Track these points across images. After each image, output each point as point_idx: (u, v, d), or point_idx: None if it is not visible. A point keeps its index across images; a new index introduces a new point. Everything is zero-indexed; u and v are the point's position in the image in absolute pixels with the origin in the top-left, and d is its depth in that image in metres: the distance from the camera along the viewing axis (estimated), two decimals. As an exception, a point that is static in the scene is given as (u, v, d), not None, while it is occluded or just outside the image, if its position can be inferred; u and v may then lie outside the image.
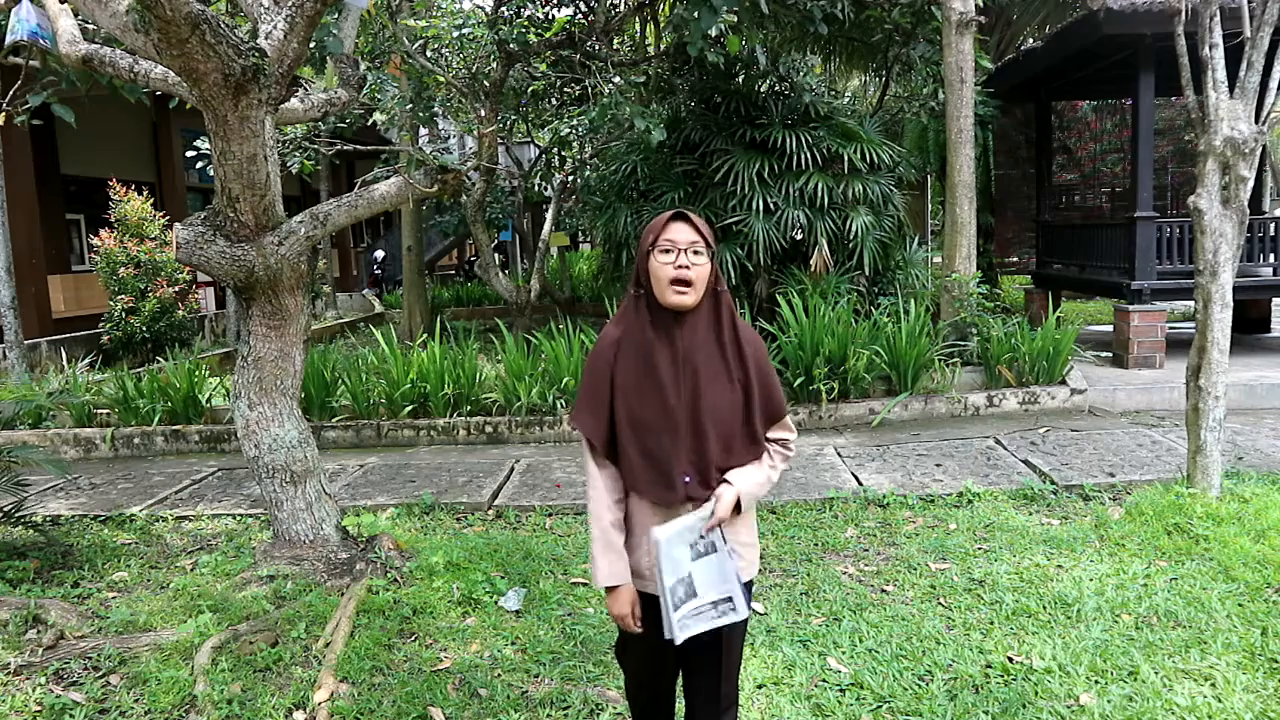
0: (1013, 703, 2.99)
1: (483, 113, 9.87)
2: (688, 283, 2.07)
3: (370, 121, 11.87)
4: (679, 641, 2.05)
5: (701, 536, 2.09)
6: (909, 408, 7.36)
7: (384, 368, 7.63)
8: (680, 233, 2.09)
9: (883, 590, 4.00)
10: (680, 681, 2.40)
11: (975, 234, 8.10)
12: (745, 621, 2.27)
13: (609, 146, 10.98)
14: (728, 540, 2.13)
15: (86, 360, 9.60)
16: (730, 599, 2.11)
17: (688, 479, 2.11)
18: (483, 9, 10.86)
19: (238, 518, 5.49)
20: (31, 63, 5.50)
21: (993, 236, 12.64)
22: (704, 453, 2.11)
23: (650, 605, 2.18)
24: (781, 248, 8.39)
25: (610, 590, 2.16)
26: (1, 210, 9.74)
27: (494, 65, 9.84)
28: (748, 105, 8.94)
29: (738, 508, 2.12)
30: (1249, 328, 10.43)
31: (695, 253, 2.08)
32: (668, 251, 2.08)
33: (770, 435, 2.24)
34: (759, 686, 3.18)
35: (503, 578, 4.19)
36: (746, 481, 2.14)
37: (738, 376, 2.14)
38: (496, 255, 14.25)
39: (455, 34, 10.16)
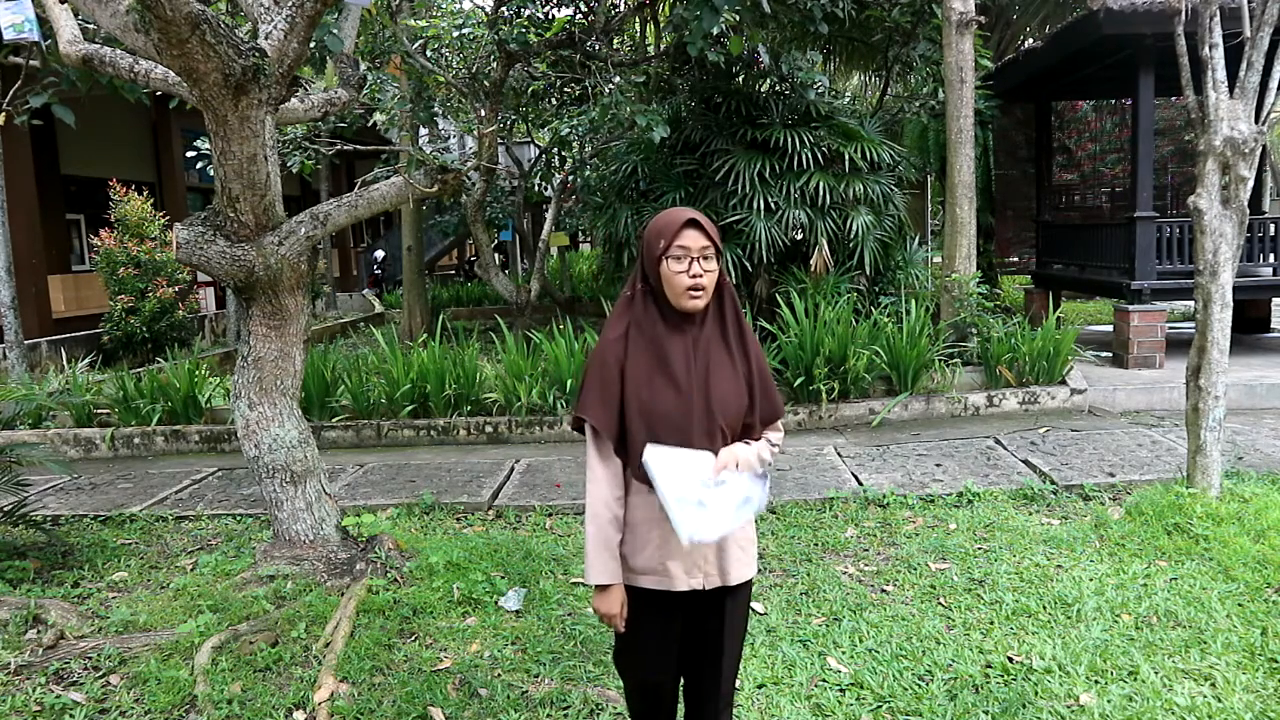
0: (1013, 703, 2.99)
1: (483, 113, 9.87)
2: (701, 288, 2.10)
3: (370, 121, 11.87)
4: (687, 543, 2.02)
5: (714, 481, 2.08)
6: (909, 408, 7.37)
7: (384, 368, 7.62)
8: (693, 239, 2.08)
9: (883, 590, 4.00)
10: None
11: (975, 234, 8.10)
12: (745, 621, 2.28)
13: (609, 146, 10.97)
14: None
15: (86, 360, 9.59)
16: (748, 498, 2.08)
17: None
18: (483, 9, 10.86)
19: (238, 518, 5.49)
20: (31, 62, 5.50)
21: (993, 236, 12.64)
22: (716, 442, 2.12)
23: (653, 600, 2.18)
24: (782, 247, 8.39)
25: (602, 588, 2.15)
26: (1, 210, 9.73)
27: (494, 65, 9.84)
28: (748, 105, 8.94)
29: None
30: (1249, 328, 10.42)
31: (706, 258, 2.10)
32: (680, 259, 2.08)
33: (765, 435, 2.28)
34: (759, 686, 3.18)
35: (503, 578, 4.19)
36: (757, 447, 2.21)
37: (742, 371, 2.18)
38: (496, 255, 14.25)
39: (455, 34, 10.17)
